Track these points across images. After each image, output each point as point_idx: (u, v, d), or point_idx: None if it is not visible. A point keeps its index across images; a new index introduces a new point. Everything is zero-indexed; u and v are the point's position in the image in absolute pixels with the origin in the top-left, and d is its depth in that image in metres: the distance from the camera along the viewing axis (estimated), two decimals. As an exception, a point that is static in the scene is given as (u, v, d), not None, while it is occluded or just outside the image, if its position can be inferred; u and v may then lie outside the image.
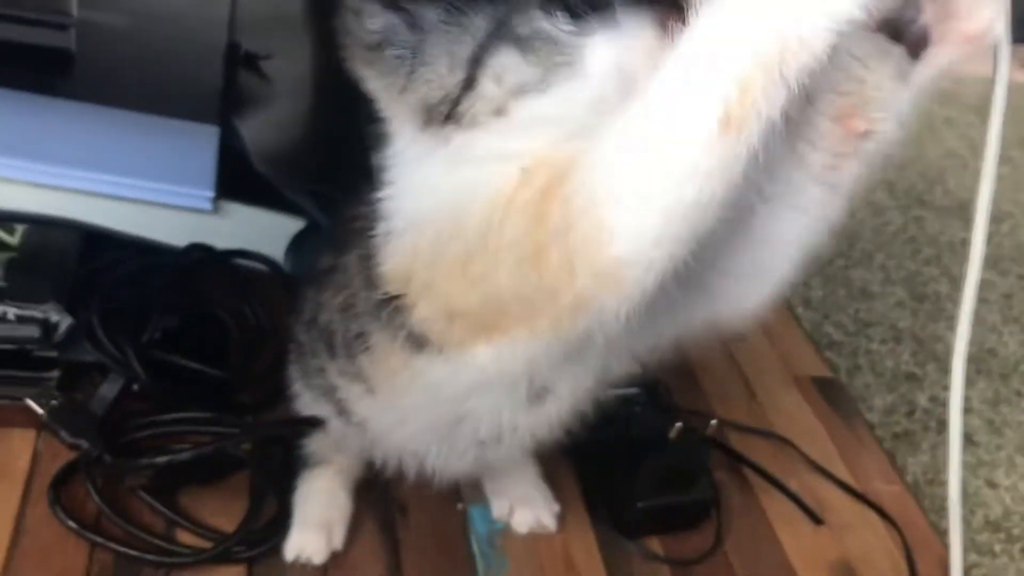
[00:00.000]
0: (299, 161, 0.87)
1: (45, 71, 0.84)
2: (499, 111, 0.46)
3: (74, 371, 0.74)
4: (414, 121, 0.49)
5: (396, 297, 0.54)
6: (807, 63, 0.38)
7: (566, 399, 0.59)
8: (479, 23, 0.45)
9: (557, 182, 0.44)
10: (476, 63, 0.45)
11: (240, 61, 0.96)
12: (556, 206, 0.44)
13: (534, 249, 0.45)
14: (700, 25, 0.40)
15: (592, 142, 0.43)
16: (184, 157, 0.81)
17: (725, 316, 0.56)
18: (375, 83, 0.51)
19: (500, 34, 0.45)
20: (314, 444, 0.71)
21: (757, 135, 0.39)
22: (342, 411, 0.66)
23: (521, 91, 0.45)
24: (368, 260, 0.56)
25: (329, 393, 0.67)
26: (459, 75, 0.46)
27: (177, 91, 0.88)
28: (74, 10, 0.87)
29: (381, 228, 0.54)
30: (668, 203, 0.41)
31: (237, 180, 0.81)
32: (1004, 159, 1.94)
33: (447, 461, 0.65)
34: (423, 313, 0.53)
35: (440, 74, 0.46)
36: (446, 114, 0.47)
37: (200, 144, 0.82)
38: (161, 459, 0.67)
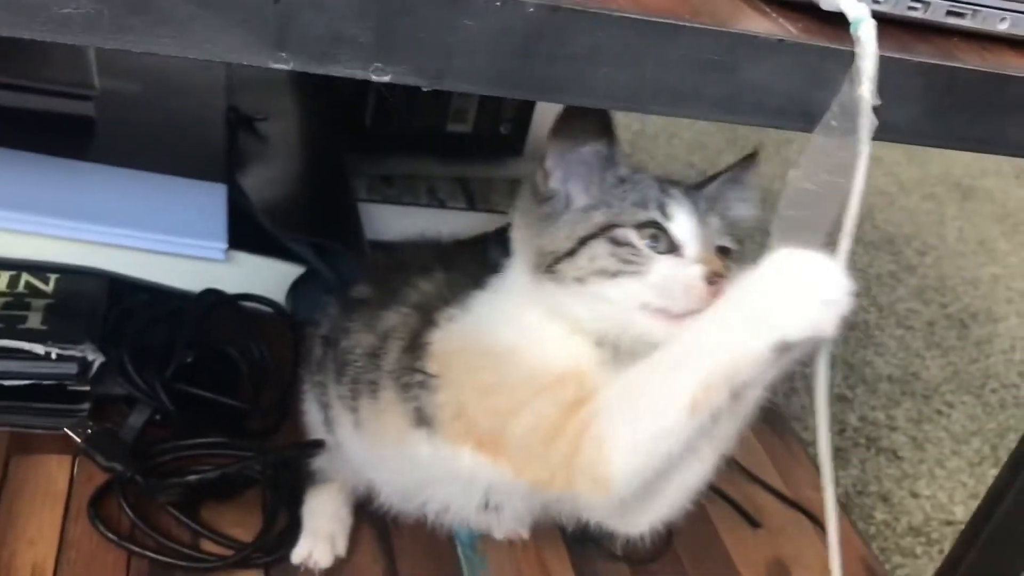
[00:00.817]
0: (296, 214, 0.97)
1: (70, 136, 0.94)
2: (580, 280, 0.60)
3: (103, 403, 0.84)
4: (528, 260, 0.63)
5: (427, 374, 0.65)
6: (754, 370, 0.54)
7: (516, 512, 0.73)
8: (598, 218, 0.61)
9: (580, 403, 0.59)
10: (582, 242, 0.61)
11: (238, 123, 1.06)
12: (574, 421, 0.59)
13: (549, 433, 0.60)
14: (687, 333, 0.56)
15: (609, 384, 0.59)
16: (198, 212, 0.91)
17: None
18: (522, 221, 0.65)
19: (605, 230, 0.60)
20: (318, 463, 0.82)
21: (712, 414, 0.55)
22: (329, 424, 0.77)
23: (600, 272, 0.60)
24: (418, 330, 0.67)
25: (323, 404, 0.78)
26: (569, 244, 0.61)
27: (188, 152, 0.98)
28: (96, 82, 0.97)
29: (451, 313, 0.66)
30: (649, 451, 0.57)
31: (245, 232, 0.91)
32: (928, 195, 2.13)
33: (410, 506, 0.76)
34: (441, 399, 0.64)
35: (560, 237, 0.61)
36: (548, 264, 0.61)
37: (211, 200, 0.92)
38: (192, 477, 0.77)
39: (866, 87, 0.48)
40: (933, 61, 0.50)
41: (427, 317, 0.68)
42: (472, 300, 0.67)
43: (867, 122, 0.49)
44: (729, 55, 0.47)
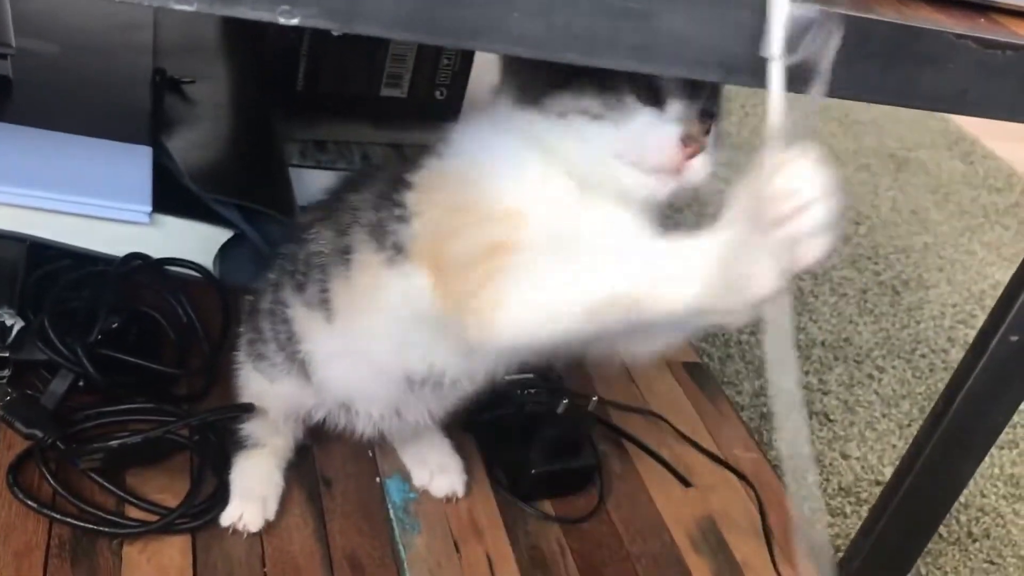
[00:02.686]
0: (223, 177, 0.95)
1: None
2: (562, 115, 0.59)
3: (24, 369, 0.82)
4: (515, 90, 0.62)
5: (405, 206, 0.65)
6: (662, 318, 0.55)
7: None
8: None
9: (508, 248, 0.59)
10: (571, 76, 0.59)
11: (165, 85, 1.04)
12: (494, 261, 0.59)
13: (470, 262, 0.60)
14: (632, 245, 0.59)
15: (527, 253, 0.59)
16: (122, 175, 0.89)
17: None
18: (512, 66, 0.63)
19: (595, 80, 0.58)
20: (249, 428, 0.81)
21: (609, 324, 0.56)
22: (292, 346, 0.75)
23: (583, 112, 0.59)
24: (398, 180, 0.67)
25: (281, 330, 0.76)
26: (558, 77, 0.59)
27: (112, 114, 0.95)
28: (12, 40, 0.94)
29: (434, 153, 0.66)
30: (536, 326, 0.58)
31: (171, 196, 0.89)
32: (862, 166, 2.15)
33: (371, 412, 0.76)
34: (415, 226, 0.64)
35: (553, 74, 0.59)
36: (535, 96, 0.60)
37: (135, 162, 0.90)
38: (113, 442, 0.76)
39: (776, 38, 0.48)
40: (849, 12, 0.51)
41: (402, 170, 0.68)
42: (455, 136, 0.66)
43: (778, 75, 0.49)
44: (645, 2, 0.47)
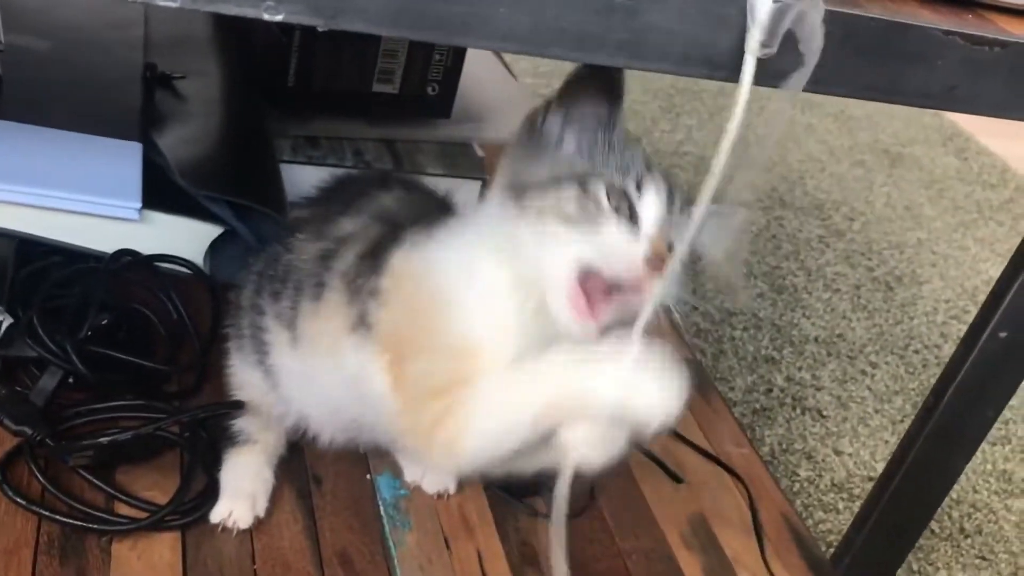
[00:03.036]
0: (214, 172, 0.95)
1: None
2: (541, 213, 0.62)
3: (12, 366, 0.82)
4: (504, 185, 0.65)
5: (379, 285, 0.67)
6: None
7: None
8: (579, 166, 0.63)
9: (468, 381, 0.63)
10: (556, 181, 0.62)
11: (155, 81, 1.03)
12: (455, 395, 0.64)
13: (433, 391, 0.65)
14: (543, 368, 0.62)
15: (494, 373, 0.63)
16: (111, 171, 0.88)
17: None
18: (509, 150, 0.67)
19: (580, 178, 0.62)
20: (240, 424, 0.81)
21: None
22: (263, 352, 0.78)
23: (561, 214, 0.61)
24: (380, 240, 0.70)
25: (257, 334, 0.78)
26: (545, 178, 0.63)
27: (102, 111, 0.95)
28: (1, 36, 0.93)
29: (417, 235, 0.69)
30: (496, 443, 0.64)
31: (162, 192, 0.89)
32: (857, 162, 2.17)
33: (334, 430, 0.79)
34: (383, 313, 0.67)
35: (539, 171, 0.63)
36: (519, 193, 0.63)
37: (125, 158, 0.89)
38: (103, 439, 0.75)
39: (754, 35, 0.48)
40: (835, 9, 0.51)
41: (390, 230, 0.71)
42: (438, 227, 0.68)
43: (749, 68, 0.49)
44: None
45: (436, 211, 0.75)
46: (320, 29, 0.44)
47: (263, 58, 1.13)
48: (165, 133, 0.96)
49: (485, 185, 1.21)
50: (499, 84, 1.41)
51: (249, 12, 0.42)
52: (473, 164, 1.22)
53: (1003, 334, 0.69)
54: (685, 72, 0.51)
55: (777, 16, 0.48)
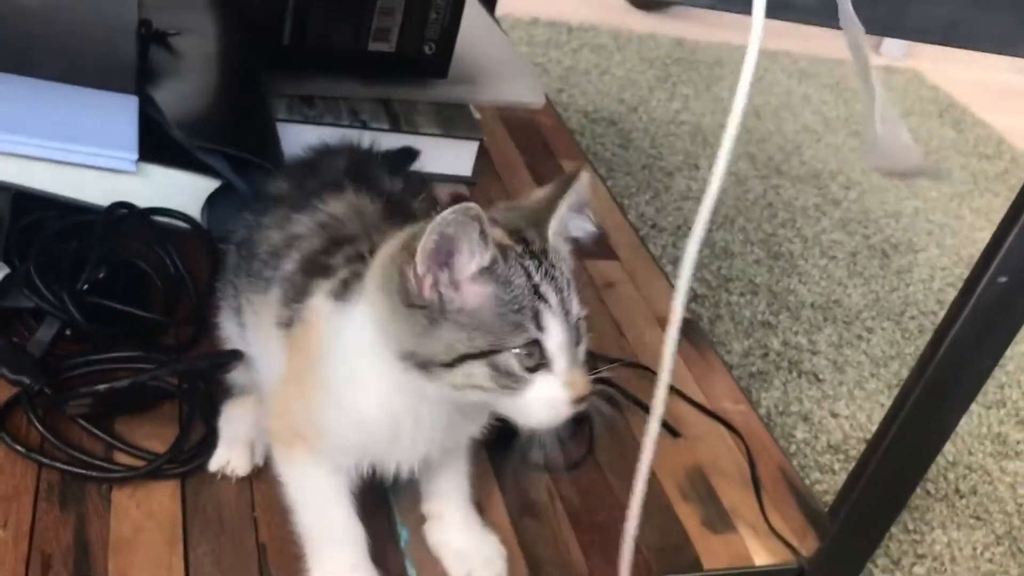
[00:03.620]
0: (210, 126, 0.94)
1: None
2: (455, 387, 0.61)
3: (9, 317, 0.82)
4: (395, 350, 0.62)
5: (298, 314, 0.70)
6: None
7: None
8: (478, 341, 0.60)
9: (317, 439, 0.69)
10: (461, 359, 0.60)
11: (150, 37, 1.03)
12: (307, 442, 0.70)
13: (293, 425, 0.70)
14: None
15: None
16: (108, 123, 0.88)
17: None
18: (385, 310, 0.62)
19: (486, 354, 0.60)
20: (236, 375, 0.81)
21: None
22: (241, 325, 0.79)
23: (477, 387, 0.61)
24: (315, 253, 0.71)
25: (235, 307, 0.79)
26: (447, 358, 0.60)
27: (98, 64, 0.94)
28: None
29: (327, 294, 0.68)
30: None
31: (158, 146, 0.88)
32: (853, 133, 2.14)
33: None
34: (295, 334, 0.70)
35: (437, 348, 0.61)
36: (422, 364, 0.61)
37: (122, 111, 0.89)
38: (101, 387, 0.75)
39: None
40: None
41: (329, 246, 0.71)
42: (341, 305, 0.66)
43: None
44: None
45: (385, 223, 0.72)
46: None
47: (259, 16, 1.12)
48: (161, 88, 0.96)
49: (482, 145, 1.21)
50: (495, 47, 1.40)
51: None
52: (470, 125, 1.22)
53: (1002, 279, 0.69)
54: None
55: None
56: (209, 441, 0.78)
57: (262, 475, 0.77)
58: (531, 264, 0.62)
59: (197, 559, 0.71)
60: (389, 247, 0.64)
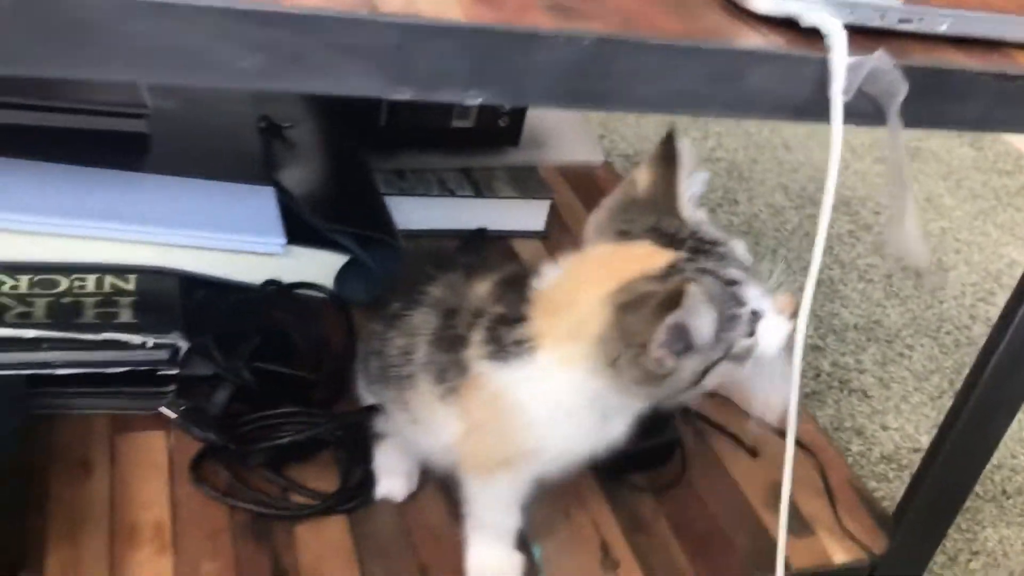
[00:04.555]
0: (334, 207, 1.09)
1: (129, 151, 1.05)
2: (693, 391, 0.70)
3: (186, 384, 0.96)
4: (623, 388, 0.70)
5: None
6: None
7: None
8: (717, 353, 0.68)
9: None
10: (706, 372, 0.69)
11: (270, 130, 1.18)
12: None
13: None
14: None
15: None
16: (253, 212, 1.03)
17: None
18: (633, 378, 0.68)
19: (726, 356, 0.69)
20: (380, 425, 0.94)
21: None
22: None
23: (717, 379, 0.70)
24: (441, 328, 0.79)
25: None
26: (694, 380, 0.69)
27: (231, 160, 1.10)
28: (148, 101, 1.08)
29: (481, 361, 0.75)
30: None
31: (290, 227, 1.03)
32: (879, 159, 2.29)
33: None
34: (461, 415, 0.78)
35: (682, 381, 0.68)
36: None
37: (262, 200, 1.04)
38: (280, 441, 0.90)
39: (838, 85, 0.62)
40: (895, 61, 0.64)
41: (442, 319, 0.78)
42: (506, 364, 0.73)
43: (838, 114, 0.62)
44: (734, 66, 0.60)
45: (468, 281, 0.79)
46: (504, 107, 0.57)
47: (360, 102, 1.27)
48: (286, 175, 1.11)
49: (552, 203, 1.35)
50: (557, 113, 1.55)
51: (454, 98, 0.56)
52: (541, 185, 1.36)
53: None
54: (775, 118, 0.64)
55: (854, 71, 0.61)
56: (367, 482, 0.92)
57: (415, 506, 0.91)
58: (705, 262, 0.68)
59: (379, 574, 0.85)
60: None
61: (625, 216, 0.72)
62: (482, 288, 0.78)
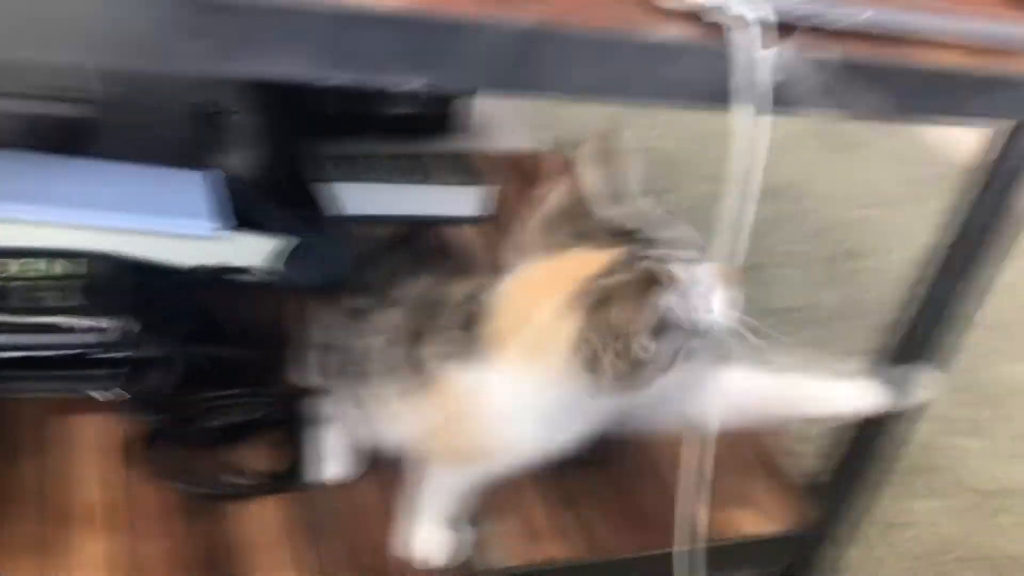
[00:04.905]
0: (279, 193, 1.11)
1: (76, 136, 1.06)
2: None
3: (128, 366, 0.97)
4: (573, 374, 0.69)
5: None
6: None
7: None
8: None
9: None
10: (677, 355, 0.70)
11: (213, 116, 1.19)
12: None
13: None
14: None
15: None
16: (191, 197, 1.04)
17: None
18: (616, 373, 0.68)
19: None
20: (325, 407, 0.96)
21: None
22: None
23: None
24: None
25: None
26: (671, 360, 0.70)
27: (173, 146, 1.11)
28: (97, 87, 1.09)
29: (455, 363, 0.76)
30: None
31: (233, 211, 1.05)
32: (821, 147, 2.29)
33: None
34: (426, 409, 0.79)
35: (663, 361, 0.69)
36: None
37: (202, 185, 1.06)
38: (223, 422, 0.91)
39: (741, 76, 0.65)
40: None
41: (412, 318, 0.80)
42: (473, 366, 0.74)
43: (747, 104, 0.65)
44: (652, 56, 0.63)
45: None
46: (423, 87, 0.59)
47: (306, 90, 1.29)
48: (232, 160, 1.12)
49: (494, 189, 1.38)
50: (497, 103, 1.58)
51: (392, 83, 0.58)
52: (481, 173, 1.38)
53: (939, 291, 0.87)
54: (693, 107, 0.67)
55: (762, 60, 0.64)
56: (308, 462, 0.93)
57: (354, 485, 0.93)
58: (655, 250, 0.69)
59: (315, 555, 0.87)
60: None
61: (570, 215, 0.73)
62: (447, 290, 0.80)
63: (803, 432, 1.44)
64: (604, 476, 1.02)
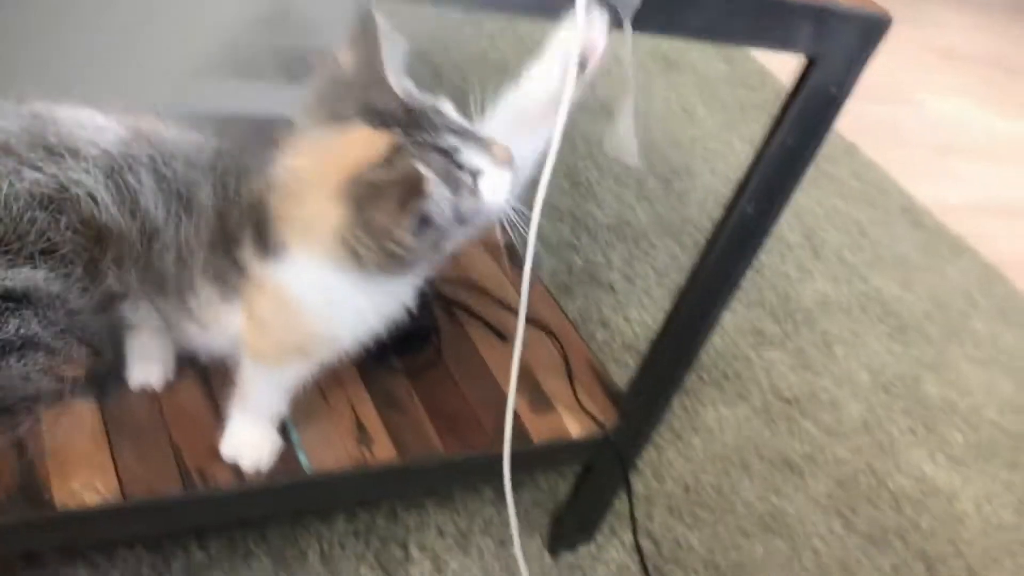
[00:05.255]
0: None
1: None
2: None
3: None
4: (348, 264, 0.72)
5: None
6: None
7: None
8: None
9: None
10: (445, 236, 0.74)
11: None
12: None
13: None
14: None
15: None
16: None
17: None
18: (376, 263, 0.72)
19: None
20: (132, 313, 0.93)
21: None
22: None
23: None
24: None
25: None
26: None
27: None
28: None
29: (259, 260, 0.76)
30: None
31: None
32: (640, 68, 2.38)
33: None
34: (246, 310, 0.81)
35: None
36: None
37: None
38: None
39: None
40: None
41: (219, 222, 0.78)
42: (277, 261, 0.75)
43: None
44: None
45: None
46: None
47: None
48: None
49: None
50: None
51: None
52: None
53: (749, 209, 0.93)
54: (522, 13, 0.68)
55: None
56: (118, 366, 0.91)
57: (168, 389, 0.92)
58: (421, 135, 0.70)
59: (123, 459, 0.85)
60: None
61: (334, 97, 0.72)
62: (245, 187, 0.78)
63: (628, 342, 1.52)
64: (426, 380, 1.04)
